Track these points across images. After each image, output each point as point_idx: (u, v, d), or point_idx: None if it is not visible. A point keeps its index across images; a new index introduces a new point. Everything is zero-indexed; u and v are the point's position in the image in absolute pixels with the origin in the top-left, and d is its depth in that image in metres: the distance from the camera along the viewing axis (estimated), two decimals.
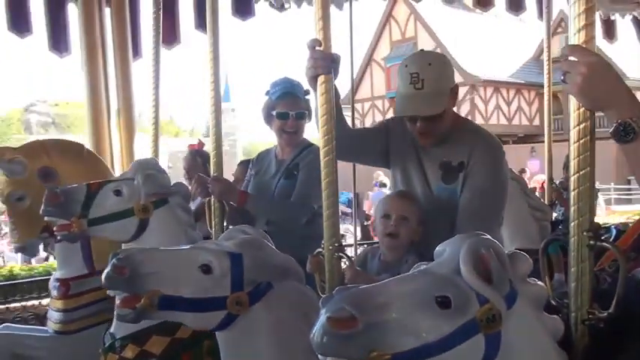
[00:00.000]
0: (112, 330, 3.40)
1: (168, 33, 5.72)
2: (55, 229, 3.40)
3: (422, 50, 3.52)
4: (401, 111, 3.24)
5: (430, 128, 3.22)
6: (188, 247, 2.57)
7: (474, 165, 3.19)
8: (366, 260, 3.26)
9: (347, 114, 3.86)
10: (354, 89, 6.89)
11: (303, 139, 4.31)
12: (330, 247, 2.80)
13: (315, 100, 2.90)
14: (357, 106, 27.84)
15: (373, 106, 32.68)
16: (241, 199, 4.04)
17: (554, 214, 6.44)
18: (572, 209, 2.11)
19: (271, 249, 2.58)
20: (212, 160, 3.91)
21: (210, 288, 2.38)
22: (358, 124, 14.49)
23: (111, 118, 5.61)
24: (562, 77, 1.98)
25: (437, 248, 1.94)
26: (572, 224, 2.10)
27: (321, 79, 2.82)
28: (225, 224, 3.97)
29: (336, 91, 2.94)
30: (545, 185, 6.64)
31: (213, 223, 3.95)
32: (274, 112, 4.21)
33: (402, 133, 3.39)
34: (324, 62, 2.80)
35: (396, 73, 3.31)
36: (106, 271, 2.29)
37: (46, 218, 3.41)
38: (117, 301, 2.34)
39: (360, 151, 3.54)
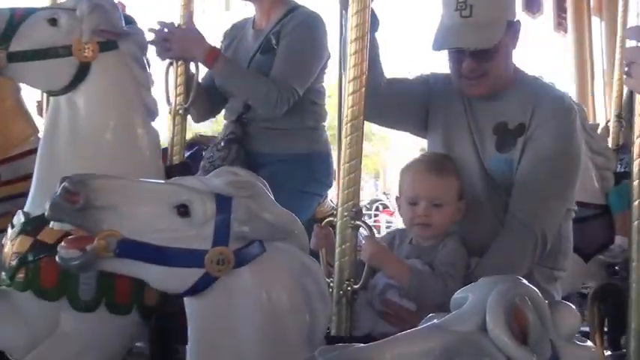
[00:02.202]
0: (26, 208, 2.91)
1: None
2: None
3: None
4: (442, 44, 2.68)
5: (480, 70, 2.64)
6: (163, 181, 2.15)
7: (536, 128, 2.63)
8: (392, 245, 2.69)
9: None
10: None
11: (290, 0, 3.47)
12: (346, 214, 2.29)
13: (343, 26, 2.42)
14: None
15: None
16: (210, 57, 3.19)
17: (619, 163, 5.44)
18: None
19: (271, 200, 2.07)
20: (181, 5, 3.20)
21: (186, 237, 1.91)
22: None
23: None
24: (626, 69, 1.52)
25: (455, 295, 1.54)
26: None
27: None
28: (189, 100, 3.26)
29: (373, 16, 2.43)
30: (611, 122, 5.64)
31: (172, 99, 3.27)
32: None
33: (446, 90, 2.83)
34: None
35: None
36: (52, 197, 1.86)
37: None
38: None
39: (394, 110, 2.93)
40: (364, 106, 2.31)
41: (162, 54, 3.23)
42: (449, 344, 1.39)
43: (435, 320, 1.51)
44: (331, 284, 2.26)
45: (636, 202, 1.77)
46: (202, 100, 3.49)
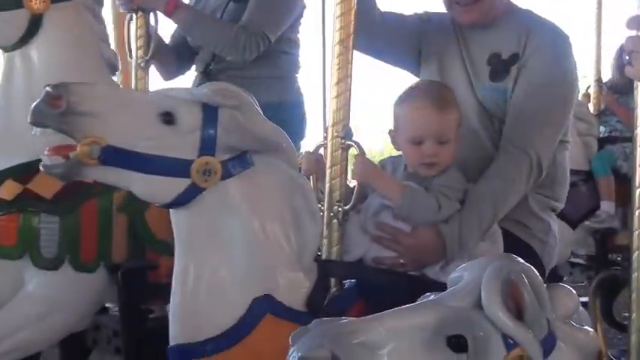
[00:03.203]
0: None
1: None
2: None
3: None
4: None
5: None
6: (149, 92, 2.09)
7: (530, 55, 2.56)
8: (384, 170, 2.53)
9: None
10: None
11: None
12: (336, 134, 2.22)
13: None
14: None
15: None
16: (170, 5, 3.08)
17: (602, 129, 5.51)
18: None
19: (258, 113, 2.05)
20: None
21: (172, 145, 1.91)
22: None
23: None
24: (626, 58, 1.51)
25: (451, 275, 1.50)
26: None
27: None
28: (149, 52, 3.12)
29: None
30: (592, 88, 5.67)
31: (133, 53, 3.13)
32: None
33: (440, 25, 2.77)
34: None
35: None
36: (36, 102, 1.82)
37: None
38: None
39: (386, 41, 2.81)
40: (354, 27, 2.24)
41: (126, 4, 3.13)
42: (443, 319, 1.36)
43: (430, 297, 1.48)
44: (322, 208, 2.22)
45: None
46: (169, 55, 3.40)
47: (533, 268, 1.43)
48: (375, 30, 2.68)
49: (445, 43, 2.74)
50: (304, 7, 3.44)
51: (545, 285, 1.44)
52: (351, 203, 2.25)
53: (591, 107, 5.50)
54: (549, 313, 1.42)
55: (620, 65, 5.47)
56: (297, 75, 3.55)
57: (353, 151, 2.28)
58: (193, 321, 2.04)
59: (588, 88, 5.62)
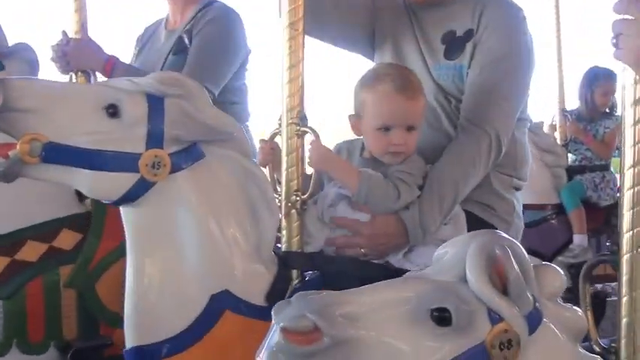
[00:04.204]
0: None
1: None
2: None
3: None
4: None
5: None
6: (90, 84, 1.99)
7: (484, 30, 2.49)
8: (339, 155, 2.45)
9: None
10: None
11: None
12: (291, 120, 2.14)
13: None
14: None
15: None
16: (108, 66, 2.96)
17: (570, 157, 5.52)
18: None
19: (206, 101, 1.97)
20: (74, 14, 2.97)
21: (117, 138, 1.82)
22: None
23: None
24: (613, 40, 1.47)
25: (436, 251, 1.43)
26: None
27: None
28: None
29: None
30: (557, 117, 5.65)
31: None
32: None
33: (391, 4, 2.68)
34: None
35: None
36: None
37: None
38: None
39: (339, 25, 2.69)
40: (303, 9, 2.17)
41: (63, 69, 3.02)
42: (427, 292, 1.31)
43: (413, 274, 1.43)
44: (279, 198, 2.15)
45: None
46: None
47: (518, 243, 1.39)
48: (325, 13, 2.60)
49: (398, 23, 2.67)
50: (249, 52, 3.31)
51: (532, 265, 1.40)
52: (309, 192, 2.18)
53: (558, 137, 5.50)
54: (535, 289, 1.38)
55: (584, 93, 5.52)
56: (247, 124, 3.43)
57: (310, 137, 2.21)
58: (149, 321, 1.95)
59: (553, 118, 5.65)
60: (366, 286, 1.35)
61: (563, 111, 5.59)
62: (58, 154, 1.78)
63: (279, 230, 2.15)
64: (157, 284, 1.94)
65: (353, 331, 1.26)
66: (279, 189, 2.18)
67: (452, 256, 1.38)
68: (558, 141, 5.47)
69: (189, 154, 1.90)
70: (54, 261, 2.57)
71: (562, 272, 1.47)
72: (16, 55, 2.72)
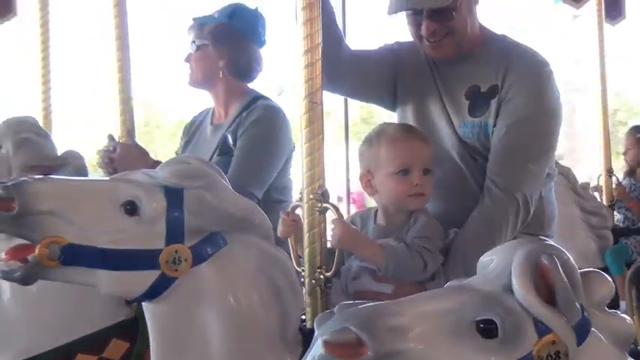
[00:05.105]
0: None
1: None
2: None
3: None
4: (396, 6, 2.50)
5: (442, 30, 2.48)
6: (106, 178, 1.98)
7: (510, 87, 2.46)
8: (354, 226, 2.45)
9: None
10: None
11: (248, 90, 3.21)
12: (312, 196, 2.10)
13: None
14: None
15: None
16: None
17: (617, 217, 5.40)
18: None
19: (225, 188, 1.92)
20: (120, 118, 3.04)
21: (137, 236, 1.76)
22: None
23: None
24: None
25: (481, 258, 1.42)
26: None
27: None
28: None
29: None
30: (603, 178, 5.46)
31: None
32: None
33: (413, 57, 2.66)
34: None
35: None
36: None
37: None
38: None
39: (359, 79, 2.71)
40: (321, 80, 2.13)
41: (105, 166, 3.04)
42: (472, 303, 1.29)
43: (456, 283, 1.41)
44: (302, 273, 2.12)
45: None
46: None
47: (566, 252, 1.34)
48: (346, 72, 2.62)
49: (420, 78, 2.66)
50: (293, 148, 3.20)
51: (580, 271, 1.38)
52: (333, 269, 2.15)
53: (604, 198, 5.42)
54: (582, 298, 1.36)
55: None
56: None
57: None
58: None
59: (599, 178, 5.57)
60: (409, 297, 1.34)
61: (609, 171, 5.50)
62: (77, 256, 1.73)
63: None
64: None
65: (399, 345, 1.24)
66: (301, 262, 2.15)
67: (497, 265, 1.37)
68: (604, 201, 5.39)
69: (210, 244, 1.84)
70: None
71: (609, 278, 1.44)
72: (67, 166, 2.72)
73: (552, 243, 1.40)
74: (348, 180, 5.09)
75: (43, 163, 2.63)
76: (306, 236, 2.12)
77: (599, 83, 5.42)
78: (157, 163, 2.94)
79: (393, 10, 2.53)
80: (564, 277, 1.31)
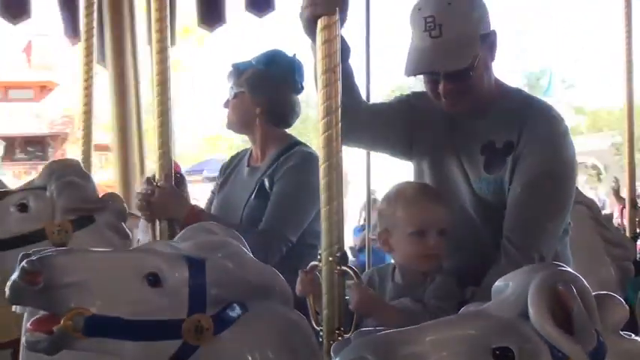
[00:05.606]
0: None
1: None
2: None
3: None
4: (413, 69, 2.50)
5: (457, 90, 2.47)
6: (129, 249, 1.99)
7: (525, 145, 2.44)
8: (372, 285, 2.46)
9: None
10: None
11: (286, 136, 3.23)
12: (330, 258, 2.08)
13: (314, 55, 2.18)
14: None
15: None
16: (190, 218, 2.84)
17: None
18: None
19: (247, 256, 1.94)
20: (157, 162, 2.97)
21: (160, 307, 1.77)
22: None
23: None
24: None
25: (496, 283, 1.43)
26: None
27: (322, 22, 2.10)
28: None
29: (343, 44, 2.26)
30: (627, 209, 5.35)
31: None
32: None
33: (428, 109, 2.63)
34: None
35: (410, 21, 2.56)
36: (11, 279, 1.69)
37: None
38: (26, 324, 1.78)
39: (376, 133, 2.72)
40: (339, 143, 2.11)
41: (148, 218, 3.02)
42: (489, 329, 1.30)
43: (472, 308, 1.42)
44: (320, 333, 2.10)
45: None
46: None
47: (582, 278, 1.34)
48: (363, 126, 2.63)
49: (435, 132, 2.66)
50: None
51: (593, 294, 1.38)
52: (351, 332, 2.10)
53: (627, 229, 5.37)
54: (598, 323, 1.37)
55: None
56: None
57: None
58: None
59: (623, 209, 5.52)
60: (426, 323, 1.35)
61: (634, 203, 5.44)
62: (100, 327, 1.75)
63: None
64: None
65: None
66: (319, 320, 2.14)
67: (513, 291, 1.37)
68: (627, 233, 5.33)
69: (232, 313, 1.85)
70: None
71: (623, 302, 1.45)
72: (107, 210, 2.76)
73: (568, 268, 1.40)
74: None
75: (85, 205, 2.68)
76: (324, 299, 2.11)
77: (626, 109, 5.39)
78: (194, 207, 3.04)
79: (411, 72, 2.53)
80: (581, 304, 1.31)
